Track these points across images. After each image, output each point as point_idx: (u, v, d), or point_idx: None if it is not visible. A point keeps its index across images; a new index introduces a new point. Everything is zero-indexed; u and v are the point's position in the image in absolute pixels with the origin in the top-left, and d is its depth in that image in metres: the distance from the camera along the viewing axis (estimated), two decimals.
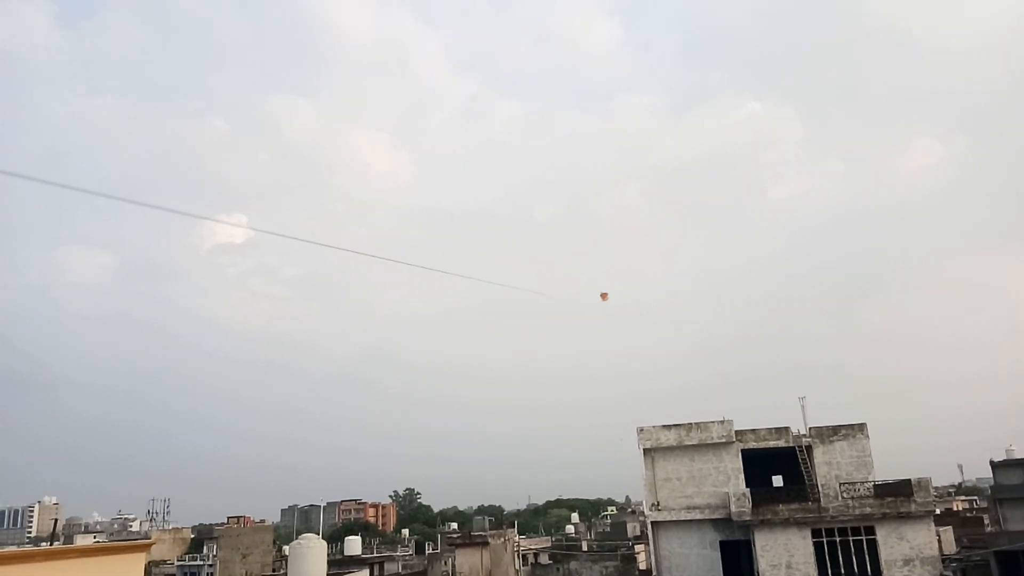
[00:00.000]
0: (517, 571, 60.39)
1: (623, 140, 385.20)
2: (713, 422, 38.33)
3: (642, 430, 38.71)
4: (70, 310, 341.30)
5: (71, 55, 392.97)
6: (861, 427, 37.54)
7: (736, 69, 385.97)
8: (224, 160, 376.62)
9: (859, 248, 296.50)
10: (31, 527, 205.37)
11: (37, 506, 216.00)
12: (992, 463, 53.92)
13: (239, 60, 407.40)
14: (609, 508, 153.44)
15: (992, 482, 55.39)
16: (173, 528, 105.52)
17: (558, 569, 68.44)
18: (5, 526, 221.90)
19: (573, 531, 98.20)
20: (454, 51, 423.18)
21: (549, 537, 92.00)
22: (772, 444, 37.95)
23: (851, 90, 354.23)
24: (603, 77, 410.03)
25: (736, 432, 37.96)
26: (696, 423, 38.41)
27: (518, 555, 62.99)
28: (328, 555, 36.92)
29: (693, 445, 38.00)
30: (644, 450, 38.43)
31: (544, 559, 71.39)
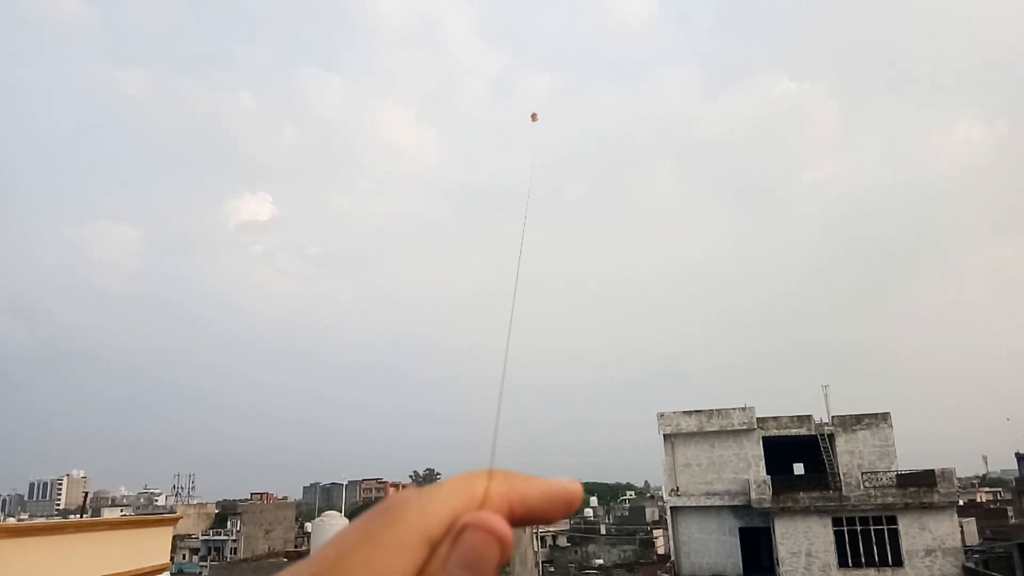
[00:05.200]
0: (536, 552, 60.77)
1: (656, 116, 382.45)
2: (734, 409, 38.19)
3: (662, 415, 38.64)
4: (99, 286, 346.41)
5: (100, 27, 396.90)
6: (884, 416, 37.28)
7: (771, 45, 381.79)
8: (250, 135, 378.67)
9: (894, 230, 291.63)
10: (59, 499, 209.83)
11: (66, 479, 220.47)
12: (1017, 455, 53.47)
13: (268, 32, 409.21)
14: (628, 492, 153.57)
15: (1017, 474, 54.84)
16: (198, 503, 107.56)
17: (576, 552, 68.97)
18: (34, 498, 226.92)
19: (592, 515, 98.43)
20: (486, 24, 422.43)
21: (568, 520, 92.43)
22: (794, 432, 37.78)
23: (890, 67, 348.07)
24: (636, 51, 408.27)
25: (757, 419, 37.80)
26: (717, 410, 38.28)
27: (536, 537, 63.31)
28: None
29: (714, 431, 37.90)
30: (664, 435, 38.40)
31: (562, 542, 71.89)
